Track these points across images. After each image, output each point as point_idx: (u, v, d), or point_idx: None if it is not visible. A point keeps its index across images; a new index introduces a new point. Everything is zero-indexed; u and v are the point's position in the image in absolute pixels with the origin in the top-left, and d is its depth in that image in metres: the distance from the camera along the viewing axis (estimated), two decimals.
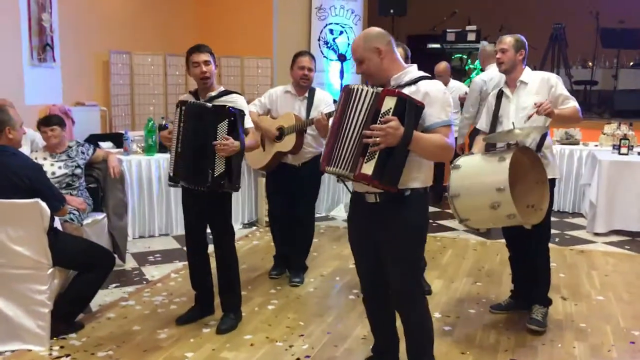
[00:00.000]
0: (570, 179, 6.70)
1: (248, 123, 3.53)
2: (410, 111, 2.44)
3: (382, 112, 2.45)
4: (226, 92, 3.57)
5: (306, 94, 4.29)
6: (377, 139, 2.40)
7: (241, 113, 3.42)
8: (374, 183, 2.46)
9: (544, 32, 8.81)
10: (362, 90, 2.53)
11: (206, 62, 3.47)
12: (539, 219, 3.33)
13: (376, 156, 2.44)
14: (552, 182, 3.49)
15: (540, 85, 3.53)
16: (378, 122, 2.44)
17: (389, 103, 2.44)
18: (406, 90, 2.54)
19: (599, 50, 9.91)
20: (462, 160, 3.32)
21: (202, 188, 3.41)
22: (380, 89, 2.52)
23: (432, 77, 2.66)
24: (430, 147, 2.51)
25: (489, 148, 3.50)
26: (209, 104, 3.40)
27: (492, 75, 5.35)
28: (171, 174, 3.52)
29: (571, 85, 8.71)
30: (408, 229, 2.62)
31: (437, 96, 2.56)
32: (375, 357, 3.03)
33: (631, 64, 10.93)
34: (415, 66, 2.69)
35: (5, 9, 5.64)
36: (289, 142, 4.22)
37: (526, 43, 3.62)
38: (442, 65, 6.64)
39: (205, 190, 3.41)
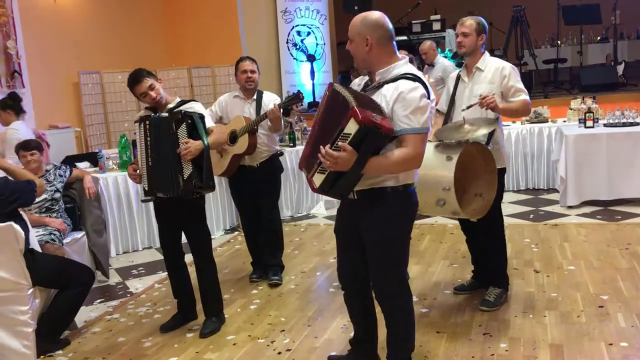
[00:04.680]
0: (542, 156, 6.81)
1: (209, 123, 3.62)
2: (371, 141, 2.37)
3: (344, 132, 2.38)
4: (183, 102, 3.66)
5: (254, 97, 4.40)
6: (327, 162, 2.41)
7: (200, 115, 3.52)
8: (320, 193, 2.62)
9: (510, 15, 8.94)
10: (340, 95, 2.46)
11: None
12: (485, 208, 3.39)
13: (326, 172, 2.47)
14: (502, 171, 3.54)
15: (495, 74, 3.50)
16: (337, 141, 2.39)
17: (352, 127, 2.35)
18: (385, 88, 2.51)
19: (563, 28, 10.09)
20: None
21: (176, 194, 3.46)
22: (353, 101, 2.38)
23: (417, 78, 2.50)
24: (388, 167, 2.48)
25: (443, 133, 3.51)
26: (166, 114, 3.51)
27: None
28: (146, 188, 3.57)
29: (536, 64, 8.85)
30: (387, 220, 2.62)
31: (412, 99, 2.44)
32: (355, 346, 3.07)
33: (598, 38, 11.17)
34: (405, 61, 2.57)
35: None
36: (242, 143, 4.26)
37: (487, 27, 3.58)
38: (427, 44, 6.68)
39: (180, 195, 3.46)
